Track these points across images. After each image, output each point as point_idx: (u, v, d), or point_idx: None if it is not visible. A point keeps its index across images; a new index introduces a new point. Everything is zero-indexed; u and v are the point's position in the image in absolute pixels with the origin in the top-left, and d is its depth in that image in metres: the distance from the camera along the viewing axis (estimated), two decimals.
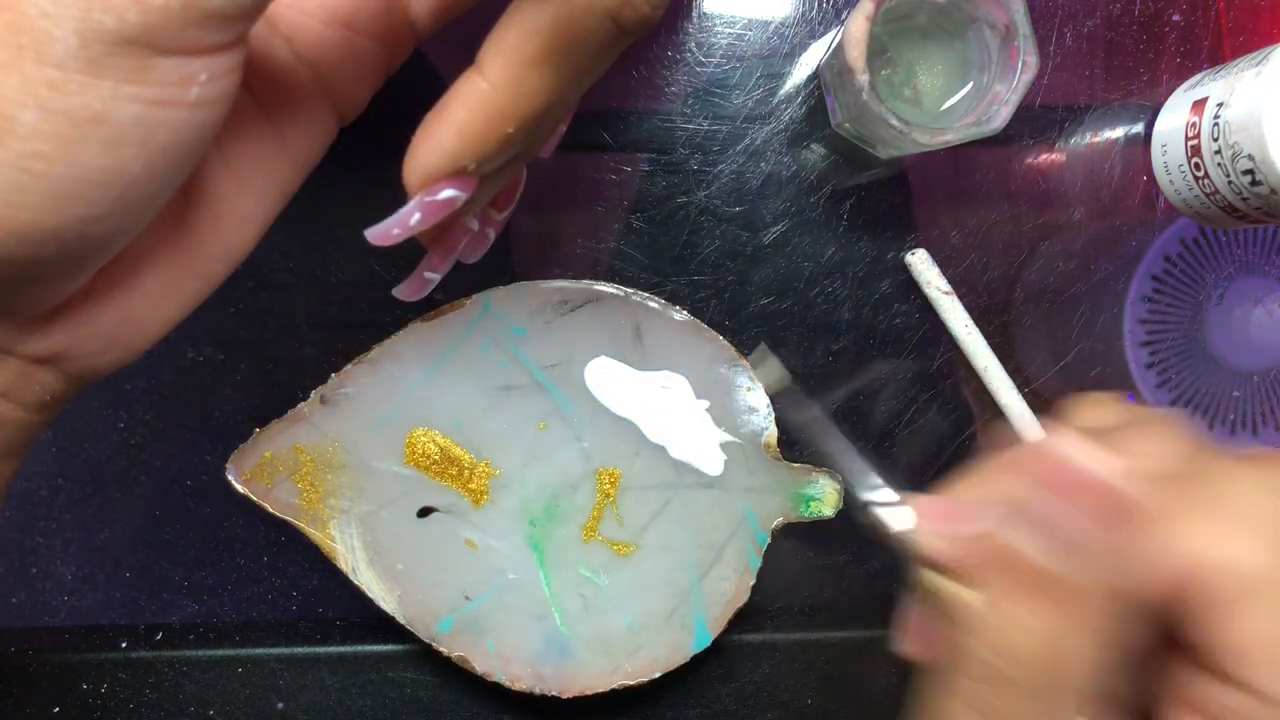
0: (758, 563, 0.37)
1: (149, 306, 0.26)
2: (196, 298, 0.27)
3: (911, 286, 0.42)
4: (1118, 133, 0.43)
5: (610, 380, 0.37)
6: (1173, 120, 0.41)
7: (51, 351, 0.25)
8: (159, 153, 0.22)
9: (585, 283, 0.37)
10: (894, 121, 0.35)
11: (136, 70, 0.21)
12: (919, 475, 0.42)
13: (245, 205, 0.27)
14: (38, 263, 0.22)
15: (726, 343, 0.37)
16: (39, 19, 0.20)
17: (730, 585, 0.37)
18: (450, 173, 0.26)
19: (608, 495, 0.37)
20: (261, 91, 0.27)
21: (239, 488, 0.36)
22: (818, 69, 0.41)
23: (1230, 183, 0.37)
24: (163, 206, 0.24)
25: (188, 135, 0.22)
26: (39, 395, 0.26)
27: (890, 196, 0.42)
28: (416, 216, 0.27)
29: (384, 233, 0.27)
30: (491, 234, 0.32)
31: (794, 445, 0.40)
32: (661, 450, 0.37)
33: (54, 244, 0.22)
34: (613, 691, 0.36)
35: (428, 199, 0.27)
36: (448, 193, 0.27)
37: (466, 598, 0.36)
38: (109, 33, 0.20)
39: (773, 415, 0.37)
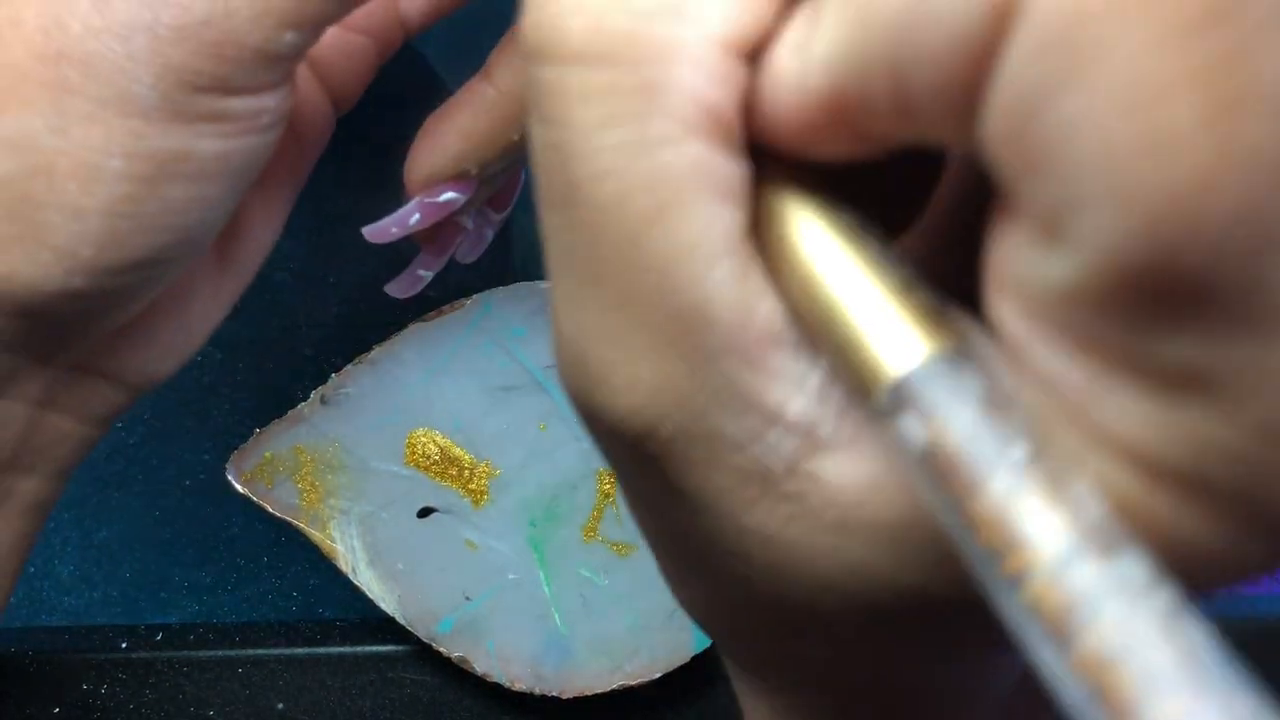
0: None
1: (200, 310, 0.28)
2: (233, 297, 0.29)
3: None
4: None
5: None
6: None
7: (120, 364, 0.26)
8: (235, 174, 0.23)
9: None
10: None
11: (215, 112, 0.22)
12: None
13: (269, 202, 0.28)
14: (128, 289, 0.23)
15: None
16: (117, 74, 0.21)
17: None
18: (452, 175, 0.27)
19: (608, 495, 0.37)
20: None
21: (239, 488, 0.36)
22: None
23: None
24: (230, 218, 0.25)
25: (259, 153, 0.24)
26: (101, 409, 0.27)
27: None
28: (416, 217, 0.27)
29: (382, 231, 0.28)
30: (489, 234, 0.32)
31: None
32: None
33: (144, 271, 0.23)
34: (613, 692, 0.36)
35: (428, 200, 0.27)
36: (448, 195, 0.27)
37: (466, 598, 0.36)
38: (188, 85, 0.21)
39: None
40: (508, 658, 0.36)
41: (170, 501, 0.40)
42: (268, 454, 0.36)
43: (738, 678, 0.18)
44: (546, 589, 0.36)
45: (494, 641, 0.36)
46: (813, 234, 0.12)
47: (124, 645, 0.37)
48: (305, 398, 0.36)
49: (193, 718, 0.37)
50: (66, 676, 0.37)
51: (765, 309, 0.12)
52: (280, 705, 0.37)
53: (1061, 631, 0.10)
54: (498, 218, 0.32)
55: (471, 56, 0.26)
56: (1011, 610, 0.10)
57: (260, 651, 0.37)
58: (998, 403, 0.11)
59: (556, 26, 0.12)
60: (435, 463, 0.37)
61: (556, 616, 0.36)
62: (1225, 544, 0.11)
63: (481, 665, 0.36)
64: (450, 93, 0.27)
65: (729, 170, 0.12)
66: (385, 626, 0.37)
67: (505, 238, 0.41)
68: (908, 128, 0.11)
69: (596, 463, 0.37)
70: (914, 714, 0.16)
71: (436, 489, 0.37)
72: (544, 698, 0.36)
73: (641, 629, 0.36)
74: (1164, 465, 0.11)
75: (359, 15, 0.28)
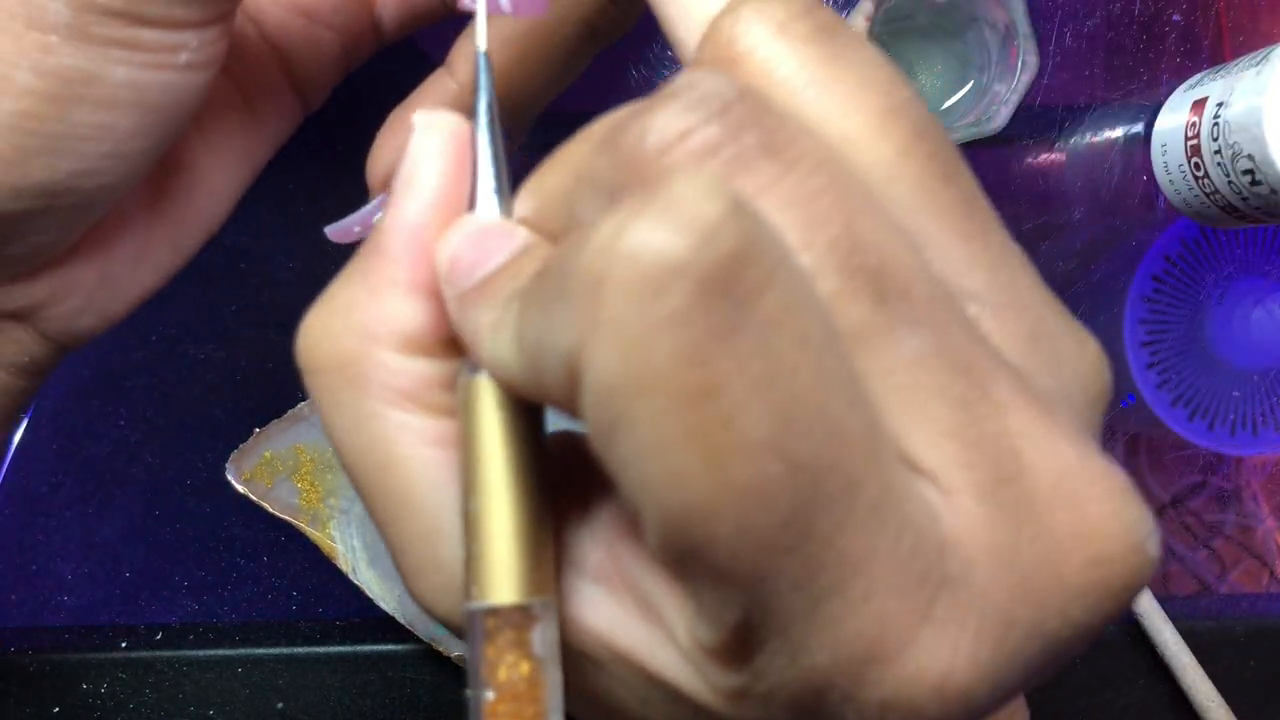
0: None
1: (126, 270, 0.27)
2: (171, 267, 0.28)
3: None
4: (1117, 133, 0.43)
5: None
6: (1172, 120, 0.41)
7: (30, 305, 0.25)
8: (149, 111, 0.22)
9: None
10: None
11: (126, 39, 0.21)
12: None
13: (216, 174, 0.27)
14: (29, 218, 0.23)
15: None
16: None
17: None
18: None
19: None
20: (232, 65, 0.27)
21: (238, 488, 0.36)
22: None
23: (1230, 183, 0.38)
24: (152, 164, 0.24)
25: (178, 95, 0.23)
26: (17, 355, 0.26)
27: None
28: (379, 215, 0.27)
29: (345, 231, 0.27)
30: None
31: None
32: None
33: (46, 199, 0.22)
34: None
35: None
36: None
37: None
38: (99, 6, 0.21)
39: None
40: None
41: (171, 501, 0.40)
42: (267, 453, 0.36)
43: None
44: None
45: None
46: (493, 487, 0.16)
47: (124, 645, 0.37)
48: (305, 397, 0.36)
49: (193, 717, 0.37)
50: (66, 676, 0.37)
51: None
52: (280, 704, 0.37)
53: None
54: None
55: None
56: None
57: (260, 650, 0.37)
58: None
59: (306, 350, 0.18)
60: None
61: None
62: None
63: None
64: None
65: (431, 425, 0.17)
66: (385, 626, 0.37)
67: None
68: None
69: None
70: None
71: None
72: None
73: None
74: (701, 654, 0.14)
75: (327, 10, 0.28)
